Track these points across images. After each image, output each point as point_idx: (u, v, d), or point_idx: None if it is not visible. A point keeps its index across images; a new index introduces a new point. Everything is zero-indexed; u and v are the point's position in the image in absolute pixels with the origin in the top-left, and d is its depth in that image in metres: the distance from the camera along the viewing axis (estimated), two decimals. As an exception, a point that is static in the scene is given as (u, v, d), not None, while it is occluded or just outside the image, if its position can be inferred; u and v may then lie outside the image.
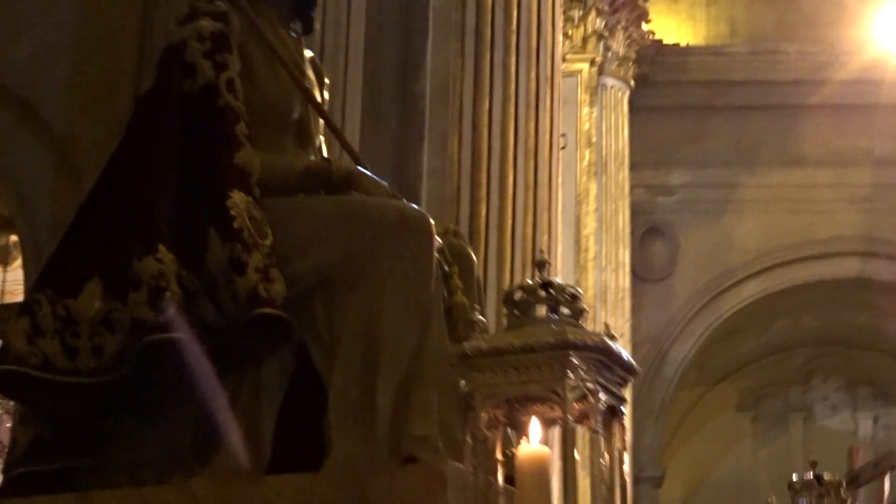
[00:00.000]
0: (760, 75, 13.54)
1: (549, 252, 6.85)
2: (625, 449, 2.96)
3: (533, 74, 6.88)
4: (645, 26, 13.00)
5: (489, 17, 6.81)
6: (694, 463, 14.68)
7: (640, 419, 12.47)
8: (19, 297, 7.21)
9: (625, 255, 12.15)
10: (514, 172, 6.70)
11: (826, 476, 6.79)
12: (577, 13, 12.16)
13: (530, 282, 2.96)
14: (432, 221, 3.43)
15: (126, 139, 3.54)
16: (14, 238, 9.60)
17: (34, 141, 6.69)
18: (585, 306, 2.97)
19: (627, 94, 12.62)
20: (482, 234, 6.41)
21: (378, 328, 3.26)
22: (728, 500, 14.37)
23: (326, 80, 3.94)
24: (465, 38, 6.72)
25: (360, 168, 3.66)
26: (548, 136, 6.95)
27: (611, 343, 2.92)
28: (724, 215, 13.62)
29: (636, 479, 12.20)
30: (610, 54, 12.46)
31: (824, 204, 13.52)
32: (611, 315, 11.47)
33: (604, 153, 12.11)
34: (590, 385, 2.85)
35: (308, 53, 3.88)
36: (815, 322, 14.55)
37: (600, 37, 12.30)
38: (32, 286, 3.37)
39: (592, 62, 12.15)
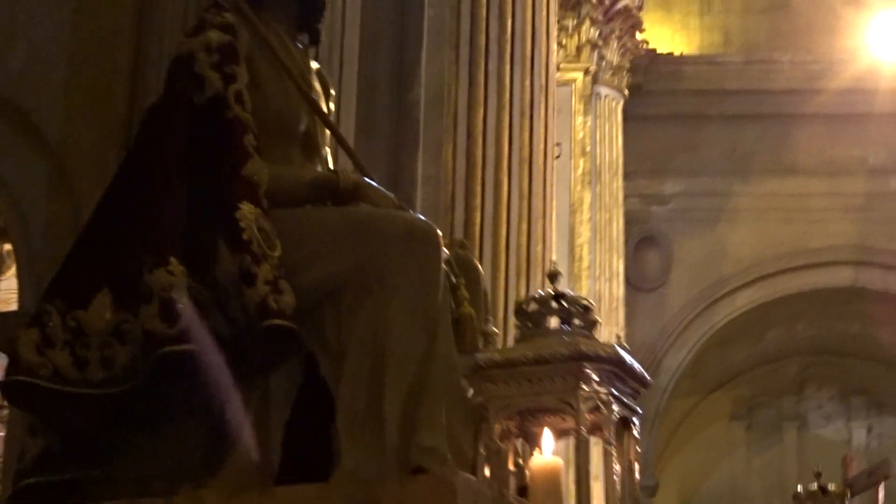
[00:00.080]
0: (754, 84, 13.56)
1: (542, 261, 6.85)
2: (637, 460, 2.97)
3: (527, 83, 6.88)
4: (639, 35, 13.01)
5: (484, 25, 6.80)
6: (688, 472, 14.67)
7: (634, 428, 12.45)
8: (13, 306, 7.19)
9: (619, 265, 12.15)
10: (509, 181, 6.70)
11: (830, 486, 6.79)
12: (571, 22, 12.17)
13: (543, 293, 2.97)
14: (440, 233, 3.44)
15: (135, 150, 3.56)
16: (8, 247, 9.58)
17: (28, 148, 6.68)
18: (598, 318, 2.98)
19: (621, 103, 12.62)
20: (476, 243, 6.40)
21: (386, 339, 3.27)
22: (722, 509, 14.39)
23: (332, 92, 3.95)
24: (459, 46, 6.71)
25: (366, 179, 3.66)
26: (542, 145, 6.95)
27: (624, 354, 2.92)
28: (717, 224, 13.63)
29: (630, 488, 12.18)
30: (604, 63, 12.47)
31: (818, 213, 13.53)
32: (605, 324, 11.47)
33: (598, 162, 12.11)
34: (603, 396, 2.86)
35: (314, 65, 3.89)
36: (808, 331, 14.56)
37: (594, 46, 12.31)
38: (42, 297, 3.36)
39: (586, 71, 12.16)
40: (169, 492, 3.24)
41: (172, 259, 3.23)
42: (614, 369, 2.87)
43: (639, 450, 2.98)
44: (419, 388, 3.25)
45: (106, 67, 6.47)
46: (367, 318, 3.29)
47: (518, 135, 6.78)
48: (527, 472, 3.02)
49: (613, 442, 2.84)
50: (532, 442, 2.93)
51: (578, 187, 11.78)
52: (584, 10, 12.27)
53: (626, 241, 12.65)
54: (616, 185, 12.32)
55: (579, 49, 12.23)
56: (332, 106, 3.92)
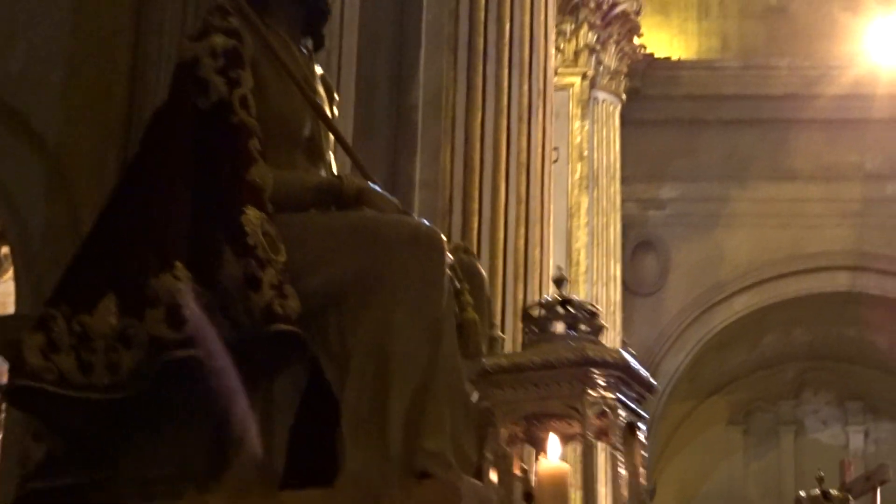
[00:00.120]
0: (752, 90, 13.57)
1: (540, 266, 6.85)
2: (643, 465, 2.97)
3: (525, 87, 6.89)
4: (637, 40, 13.02)
5: (482, 29, 6.80)
6: (685, 476, 14.67)
7: (631, 432, 12.45)
8: (11, 310, 7.18)
9: (616, 269, 12.15)
10: (507, 185, 6.70)
11: (833, 492, 6.80)
12: (569, 27, 12.18)
13: (549, 298, 2.97)
14: (444, 238, 3.44)
15: (139, 155, 3.55)
16: (5, 250, 9.57)
17: (27, 150, 6.67)
18: (604, 323, 2.99)
19: (619, 107, 12.63)
20: (474, 247, 6.39)
21: (390, 344, 3.27)
22: (719, 513, 14.40)
23: (336, 97, 3.94)
24: (457, 50, 6.71)
25: (371, 184, 3.67)
26: (540, 150, 6.95)
27: (630, 359, 2.93)
28: (715, 229, 13.64)
29: (627, 493, 12.18)
30: (602, 68, 12.48)
31: (815, 218, 13.55)
32: (602, 328, 11.45)
33: (595, 167, 12.12)
34: (610, 401, 2.86)
35: (318, 69, 3.89)
36: (805, 336, 14.57)
37: (592, 51, 12.32)
38: (47, 301, 3.35)
39: (584, 76, 12.17)
40: (173, 496, 3.24)
41: (178, 264, 3.22)
42: (621, 374, 2.88)
43: (645, 455, 2.99)
44: (423, 392, 3.25)
45: (105, 69, 6.46)
46: (371, 323, 3.29)
47: (516, 139, 6.78)
48: (532, 476, 3.03)
49: (620, 447, 2.85)
50: (538, 447, 2.94)
51: (576, 192, 11.78)
52: (582, 14, 12.28)
53: (624, 246, 12.66)
54: (613, 190, 12.32)
55: (577, 53, 12.24)
56: (335, 110, 3.91)
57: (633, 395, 2.93)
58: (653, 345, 13.35)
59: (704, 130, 13.67)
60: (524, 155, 6.79)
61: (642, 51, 13.23)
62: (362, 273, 3.32)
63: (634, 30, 12.89)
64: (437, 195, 6.41)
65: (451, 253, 3.46)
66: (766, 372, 14.94)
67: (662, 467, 14.29)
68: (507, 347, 4.34)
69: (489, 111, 6.71)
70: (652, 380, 3.02)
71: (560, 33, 11.67)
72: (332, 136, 3.81)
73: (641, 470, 2.95)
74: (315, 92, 3.75)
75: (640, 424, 2.96)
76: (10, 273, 7.70)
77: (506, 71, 6.81)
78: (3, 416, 7.54)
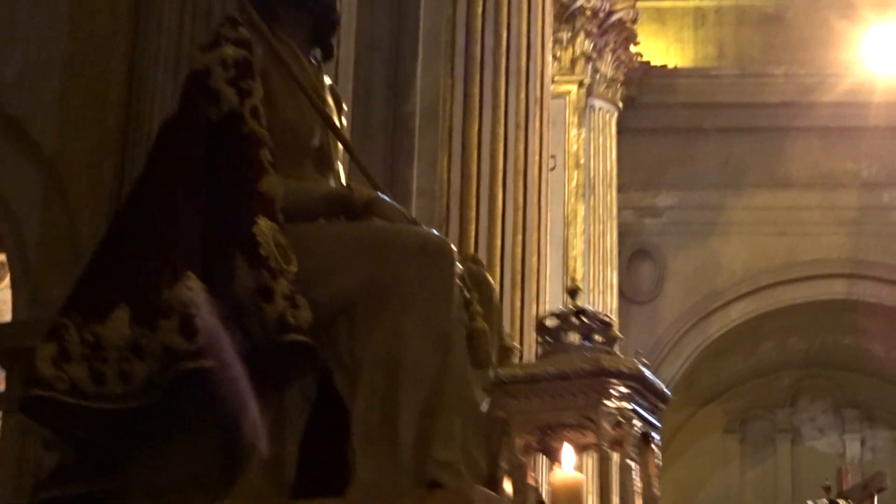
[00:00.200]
0: (748, 97, 13.58)
1: (537, 273, 6.85)
2: (657, 475, 2.98)
3: (522, 95, 6.89)
4: (633, 48, 13.03)
5: (479, 37, 6.81)
6: (682, 484, 14.65)
7: (628, 441, 12.44)
8: (7, 318, 7.16)
9: (612, 277, 12.15)
10: (504, 193, 6.70)
11: (841, 502, 6.80)
12: (565, 35, 12.19)
13: (563, 309, 2.98)
14: (454, 248, 3.45)
15: (150, 164, 3.55)
16: (1, 257, 9.57)
17: (23, 158, 6.67)
18: (619, 334, 3.00)
19: (615, 115, 12.64)
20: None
21: (400, 354, 3.27)
22: (715, 522, 14.39)
23: (345, 107, 3.95)
24: (454, 58, 6.72)
25: (380, 194, 3.67)
26: (537, 157, 6.96)
27: (645, 370, 2.94)
28: (711, 237, 13.64)
29: (623, 501, 12.17)
30: (598, 76, 12.48)
31: (811, 226, 13.55)
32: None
33: (592, 175, 12.12)
34: (625, 412, 2.87)
35: (327, 80, 3.89)
36: (802, 344, 14.57)
37: (588, 59, 12.32)
38: (59, 310, 3.35)
39: (581, 84, 12.17)
40: (183, 505, 3.24)
41: (191, 274, 3.23)
42: (635, 385, 2.88)
43: (659, 464, 2.99)
44: (434, 402, 3.26)
45: (102, 76, 6.45)
46: (381, 333, 3.29)
47: (513, 147, 6.78)
48: (546, 486, 3.03)
49: (635, 457, 2.85)
50: (551, 457, 2.94)
51: (572, 200, 11.79)
52: (579, 22, 12.29)
53: (620, 254, 12.66)
54: (610, 198, 12.33)
55: (573, 62, 12.25)
56: (344, 120, 3.92)
57: (648, 405, 2.94)
58: (649, 353, 13.33)
59: (701, 138, 13.68)
60: (521, 163, 6.80)
61: (639, 59, 13.24)
62: (372, 283, 3.33)
63: (631, 38, 12.90)
64: (435, 203, 6.41)
65: (460, 263, 3.47)
66: (762, 380, 14.94)
67: (659, 475, 14.26)
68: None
69: (486, 119, 6.71)
70: (666, 390, 3.02)
71: (556, 41, 11.68)
72: (340, 146, 3.81)
73: (656, 480, 2.95)
74: (324, 102, 3.75)
75: (654, 435, 2.97)
76: (7, 280, 7.69)
77: (503, 79, 6.82)
78: (-1, 423, 7.53)
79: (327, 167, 3.73)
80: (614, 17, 12.55)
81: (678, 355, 13.57)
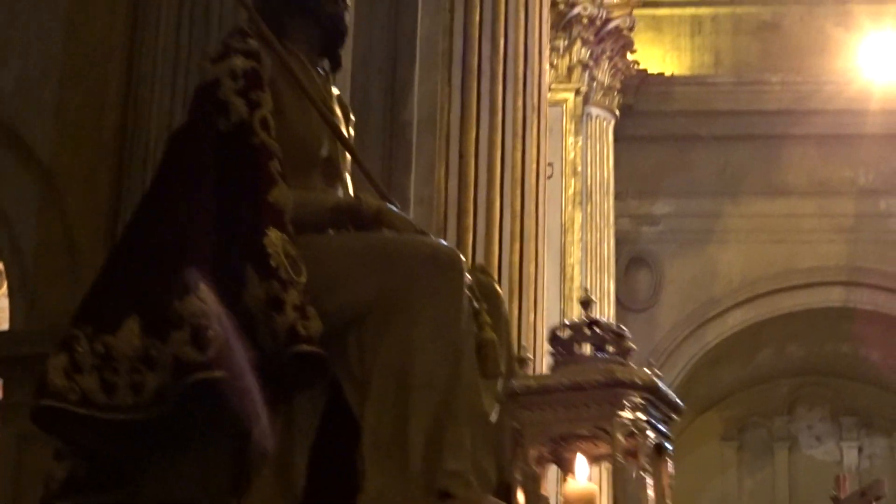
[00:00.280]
0: (745, 105, 13.58)
1: (535, 281, 6.84)
2: (669, 486, 2.99)
3: (520, 103, 6.89)
4: (630, 56, 13.03)
5: (476, 46, 6.81)
6: (679, 492, 14.51)
7: (625, 449, 12.44)
8: (4, 326, 7.16)
9: (610, 285, 12.15)
10: (501, 201, 6.70)
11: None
12: (562, 43, 12.19)
13: (577, 320, 2.99)
14: (463, 258, 3.46)
15: (160, 175, 3.57)
16: (-1, 266, 9.56)
17: (20, 168, 6.67)
18: (632, 345, 3.01)
19: (612, 123, 12.64)
20: (469, 263, 6.39)
21: (410, 364, 3.28)
22: (712, 530, 14.37)
23: (352, 117, 3.95)
24: (452, 66, 6.72)
25: (388, 205, 3.68)
26: (534, 165, 6.95)
27: (658, 381, 2.94)
28: (708, 245, 13.64)
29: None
30: (595, 84, 12.49)
31: (808, 234, 13.55)
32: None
33: (589, 182, 12.12)
34: (639, 423, 2.88)
35: (335, 91, 3.90)
36: (799, 351, 14.57)
37: (585, 67, 12.33)
38: (70, 321, 3.35)
39: (577, 92, 12.18)
40: (194, 516, 3.24)
41: (202, 285, 3.23)
42: (649, 396, 2.89)
43: (672, 474, 3.00)
44: (444, 412, 3.27)
45: (99, 86, 6.46)
46: (391, 343, 3.30)
47: (510, 154, 6.78)
48: (560, 498, 3.04)
49: (649, 468, 2.86)
50: (564, 468, 2.95)
51: (569, 207, 11.78)
52: (576, 30, 12.29)
53: (617, 262, 12.66)
54: (607, 206, 12.32)
55: (570, 69, 12.25)
56: (352, 131, 3.92)
57: (661, 416, 2.94)
58: (646, 361, 13.32)
59: (698, 146, 13.68)
60: (519, 170, 6.80)
61: (635, 67, 13.24)
62: (382, 293, 3.34)
63: (627, 46, 12.91)
64: (432, 211, 6.41)
65: (468, 273, 3.48)
66: (759, 387, 14.93)
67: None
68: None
69: (483, 127, 6.71)
70: (679, 401, 3.03)
71: (553, 49, 11.68)
72: (348, 156, 3.81)
73: (669, 491, 2.96)
74: (332, 112, 3.76)
75: (667, 445, 2.97)
76: (4, 289, 7.69)
77: (500, 87, 6.82)
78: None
79: (336, 178, 3.75)
80: (611, 25, 12.56)
81: (675, 363, 13.56)
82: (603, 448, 2.86)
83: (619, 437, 2.83)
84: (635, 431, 2.86)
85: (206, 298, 3.22)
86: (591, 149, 12.22)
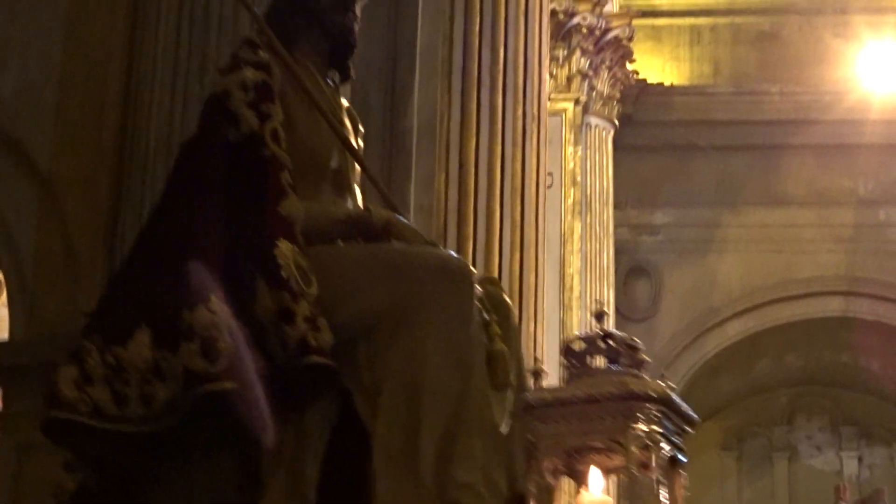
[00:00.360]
0: (744, 115, 13.59)
1: (534, 290, 6.83)
2: (683, 497, 2.98)
3: (519, 112, 6.90)
4: (629, 66, 13.03)
5: (476, 55, 6.82)
6: (678, 503, 14.63)
7: (625, 459, 12.42)
8: (4, 335, 7.15)
9: (609, 295, 12.13)
10: (501, 210, 6.70)
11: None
12: (561, 53, 12.19)
13: (590, 332, 2.99)
14: (473, 270, 3.46)
15: (170, 187, 3.57)
16: (-2, 275, 9.53)
17: (18, 175, 6.66)
18: (646, 357, 3.01)
19: (612, 133, 12.63)
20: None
21: (421, 376, 3.27)
22: (712, 540, 14.34)
23: (361, 129, 3.95)
24: (451, 75, 6.73)
25: (397, 216, 3.67)
26: (534, 174, 6.96)
27: (672, 394, 2.94)
28: (707, 255, 13.64)
29: (620, 519, 12.15)
30: (594, 94, 12.48)
31: (807, 244, 13.56)
32: (595, 354, 11.42)
33: (588, 192, 12.11)
34: (653, 435, 2.87)
35: (344, 102, 3.90)
36: (798, 361, 14.56)
37: (585, 76, 12.33)
38: (81, 333, 3.34)
39: (577, 101, 12.17)
40: (204, 527, 3.24)
41: (212, 297, 3.23)
42: (663, 408, 2.88)
43: (686, 484, 2.99)
44: (454, 424, 3.26)
45: (98, 93, 6.45)
46: (401, 355, 3.29)
47: (510, 164, 6.79)
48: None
49: (663, 479, 2.86)
50: (577, 480, 2.95)
51: (569, 217, 11.78)
52: (575, 40, 12.29)
53: (616, 271, 12.65)
54: (606, 215, 12.32)
55: (570, 79, 12.25)
56: (361, 142, 3.92)
57: (674, 428, 2.94)
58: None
59: (696, 156, 13.68)
60: (518, 180, 6.80)
61: (635, 76, 13.24)
62: (392, 305, 3.33)
63: (627, 55, 12.91)
64: (432, 220, 6.42)
65: (478, 284, 3.47)
66: (759, 397, 14.92)
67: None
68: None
69: (483, 136, 6.72)
70: (692, 413, 3.02)
71: (552, 59, 11.68)
72: (357, 168, 3.81)
73: (682, 502, 2.95)
74: (342, 123, 3.76)
75: (680, 457, 2.97)
76: (3, 298, 7.67)
77: (500, 96, 6.83)
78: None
79: (345, 189, 3.74)
80: (610, 35, 12.56)
81: (674, 373, 13.52)
82: (616, 460, 2.87)
83: (634, 449, 2.83)
84: (649, 444, 2.86)
85: (216, 310, 3.21)
86: (590, 158, 12.22)
